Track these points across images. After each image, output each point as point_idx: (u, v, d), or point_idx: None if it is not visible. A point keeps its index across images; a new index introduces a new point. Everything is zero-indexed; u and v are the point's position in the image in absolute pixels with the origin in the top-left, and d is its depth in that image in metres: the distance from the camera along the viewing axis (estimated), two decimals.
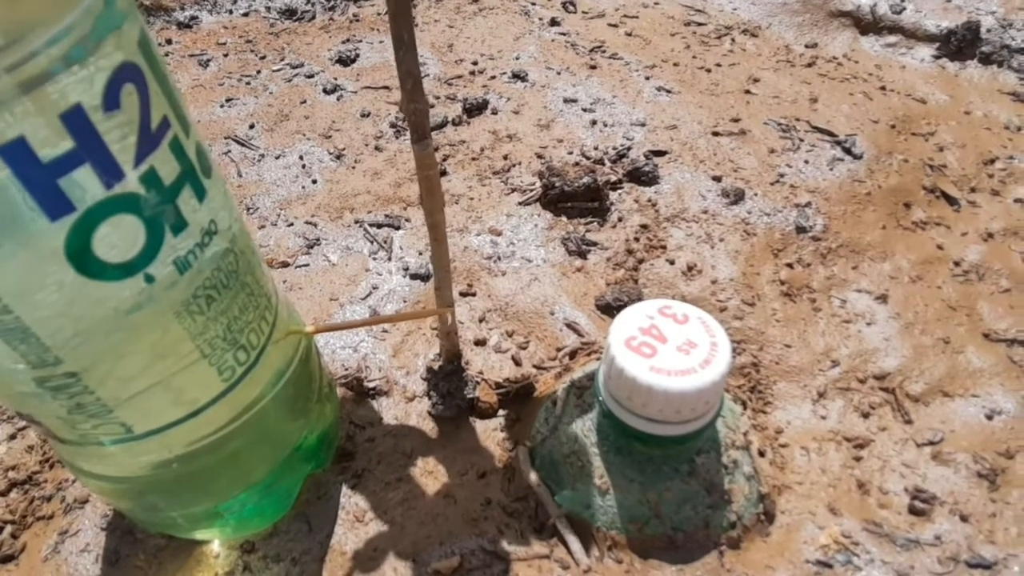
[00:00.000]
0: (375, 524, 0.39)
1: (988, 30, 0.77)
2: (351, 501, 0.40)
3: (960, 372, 0.45)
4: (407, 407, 0.45)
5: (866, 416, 0.44)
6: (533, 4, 0.89)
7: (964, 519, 0.38)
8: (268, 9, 0.87)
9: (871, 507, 0.39)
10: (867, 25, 0.82)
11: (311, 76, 0.75)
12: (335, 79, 0.74)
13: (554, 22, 0.85)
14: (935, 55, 0.78)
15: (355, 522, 0.39)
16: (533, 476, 0.40)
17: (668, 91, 0.71)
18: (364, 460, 0.42)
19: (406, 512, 0.39)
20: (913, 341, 0.47)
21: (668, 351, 0.33)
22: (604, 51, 0.79)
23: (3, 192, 0.19)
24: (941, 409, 0.44)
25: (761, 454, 0.41)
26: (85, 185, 0.21)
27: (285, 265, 0.54)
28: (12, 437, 0.45)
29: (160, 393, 0.28)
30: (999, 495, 0.39)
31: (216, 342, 0.28)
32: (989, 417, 0.43)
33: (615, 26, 0.84)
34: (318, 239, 0.56)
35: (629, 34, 0.83)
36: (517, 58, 0.78)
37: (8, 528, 0.40)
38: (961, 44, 0.77)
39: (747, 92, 0.71)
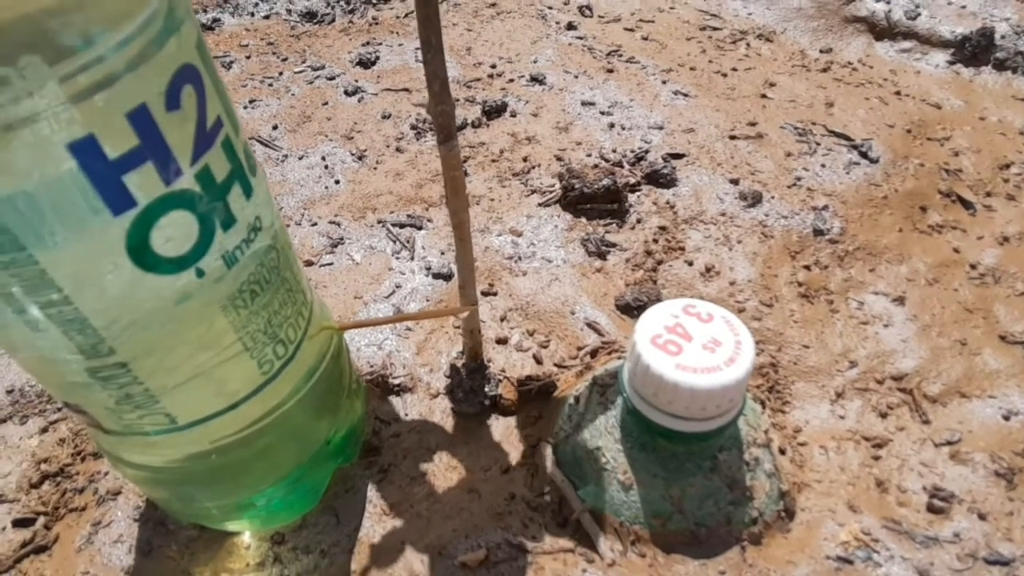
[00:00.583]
0: (402, 517, 0.40)
1: (1002, 36, 0.78)
2: (378, 495, 0.41)
3: (977, 373, 0.46)
4: (431, 404, 0.46)
5: (884, 416, 0.44)
6: (550, 8, 0.90)
7: (982, 517, 0.39)
8: (289, 12, 0.88)
9: (890, 505, 0.39)
10: (882, 31, 0.83)
11: (332, 78, 0.76)
12: (356, 81, 0.75)
13: (571, 26, 0.86)
14: (950, 61, 0.78)
15: (382, 515, 0.40)
16: (556, 472, 0.40)
17: (685, 95, 0.72)
18: (390, 455, 0.43)
19: (432, 506, 0.40)
20: (930, 343, 0.48)
21: (694, 349, 0.34)
22: (621, 55, 0.80)
23: (71, 187, 0.20)
24: (958, 410, 0.44)
25: (781, 452, 0.41)
26: (146, 182, 0.22)
27: (309, 264, 0.54)
28: (44, 430, 0.46)
29: (204, 384, 0.29)
30: (1016, 494, 0.40)
31: (257, 335, 0.29)
32: (1006, 418, 0.43)
33: (631, 30, 0.85)
34: (342, 238, 0.57)
35: (645, 38, 0.83)
36: (535, 61, 0.79)
37: (41, 519, 0.41)
38: (975, 50, 0.77)
39: (763, 96, 0.72)
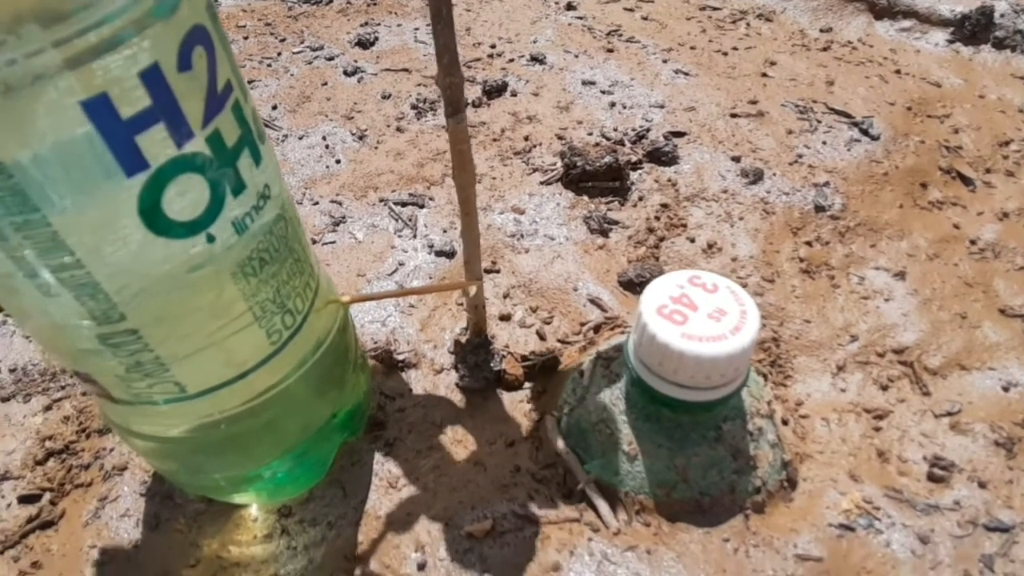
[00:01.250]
0: (408, 490, 0.40)
1: (1002, 15, 0.78)
2: (384, 468, 0.41)
3: (977, 346, 0.46)
4: (435, 379, 0.46)
5: (885, 388, 0.44)
6: None
7: (982, 485, 0.39)
8: None
9: (891, 475, 0.40)
10: (881, 10, 0.83)
11: (331, 59, 0.76)
12: (355, 61, 0.75)
13: (570, 6, 0.85)
14: (949, 39, 0.78)
15: (388, 488, 0.40)
16: (561, 444, 0.41)
17: (686, 74, 0.72)
18: (395, 429, 0.43)
19: (438, 479, 0.40)
20: (931, 316, 0.48)
21: (699, 318, 0.34)
22: (621, 35, 0.79)
23: (85, 147, 0.20)
24: (958, 381, 0.44)
25: (784, 423, 0.42)
26: (159, 143, 0.22)
27: (313, 242, 0.54)
28: (48, 408, 0.46)
29: (213, 353, 0.29)
30: (1016, 463, 0.40)
31: (266, 304, 0.29)
32: (1006, 389, 0.44)
33: (631, 10, 0.85)
34: (344, 217, 0.57)
35: (645, 18, 0.83)
36: (535, 41, 0.78)
37: (47, 495, 0.41)
38: (975, 29, 0.77)
39: (764, 75, 0.72)
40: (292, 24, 0.82)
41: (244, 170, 0.26)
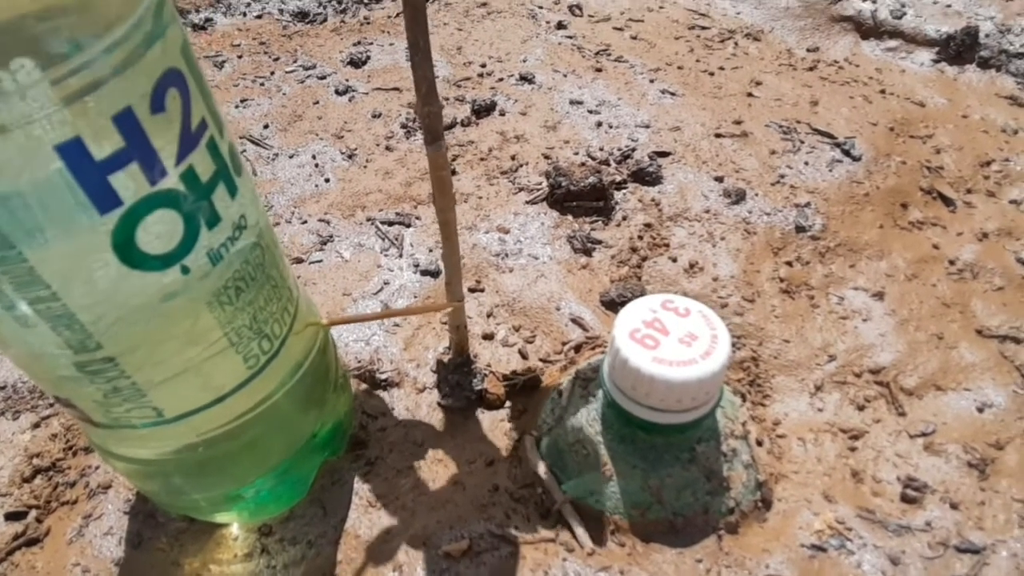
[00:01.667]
0: (387, 509, 0.41)
1: (987, 35, 0.79)
2: (364, 487, 0.42)
3: (953, 367, 0.47)
4: (417, 398, 0.46)
5: (861, 409, 0.45)
6: (540, 8, 0.91)
7: (954, 507, 0.40)
8: (281, 11, 0.89)
9: (865, 495, 0.40)
10: (868, 30, 0.84)
11: (323, 77, 0.77)
12: (347, 80, 0.76)
13: (560, 25, 0.86)
14: (934, 59, 0.79)
15: (368, 507, 0.41)
16: (539, 464, 0.41)
17: (672, 94, 0.73)
18: (376, 448, 0.44)
19: (417, 498, 0.41)
20: (908, 337, 0.49)
21: (670, 343, 0.35)
22: (609, 54, 0.80)
23: (58, 187, 0.21)
24: (934, 402, 0.45)
25: (759, 444, 0.42)
26: (132, 182, 0.23)
27: (299, 261, 0.55)
28: (36, 425, 0.46)
29: (190, 379, 0.29)
30: (988, 484, 0.41)
31: (243, 331, 0.30)
32: (980, 410, 0.44)
33: (620, 29, 0.86)
34: (331, 236, 0.57)
35: (634, 37, 0.84)
36: (524, 61, 0.79)
37: (33, 513, 0.42)
38: (960, 49, 0.78)
39: (749, 95, 0.73)
40: (286, 43, 0.83)
41: (219, 203, 0.27)
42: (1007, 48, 0.77)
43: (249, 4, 0.89)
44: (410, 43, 0.32)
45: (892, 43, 0.82)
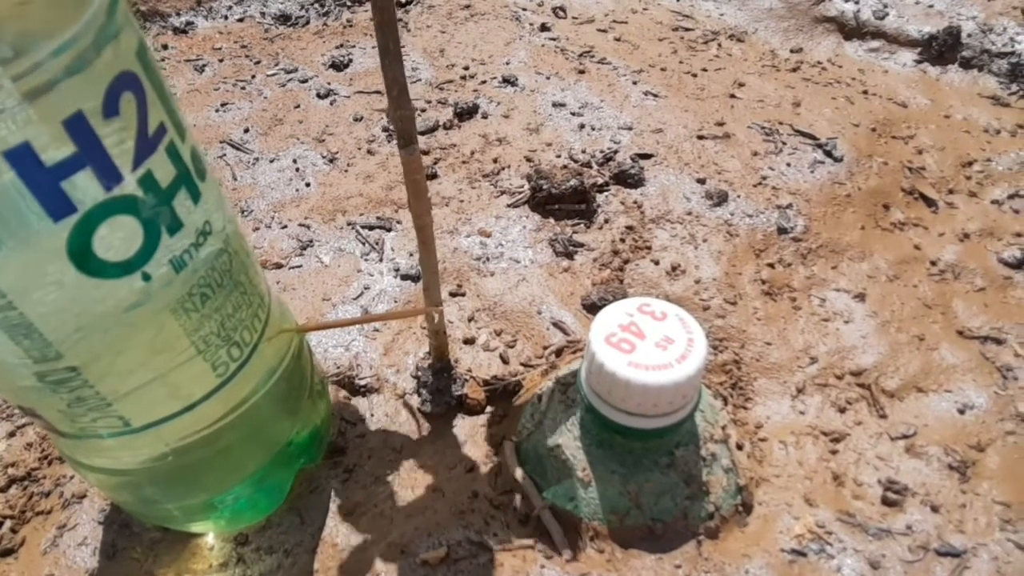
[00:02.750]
0: (365, 517, 0.40)
1: (969, 35, 0.79)
2: (342, 495, 0.41)
3: (934, 368, 0.47)
4: (397, 404, 0.46)
5: (842, 411, 0.45)
6: (524, 10, 0.90)
7: (935, 510, 0.39)
8: (263, 15, 0.88)
9: (845, 498, 0.40)
10: (851, 30, 0.84)
11: (305, 81, 0.76)
12: (328, 84, 0.76)
13: (544, 27, 0.86)
14: (917, 60, 0.79)
15: (346, 515, 0.40)
16: (519, 470, 0.41)
17: (655, 95, 0.73)
18: (355, 455, 0.43)
19: (395, 505, 0.40)
20: (889, 338, 0.49)
21: (646, 347, 0.34)
22: (593, 56, 0.80)
23: (8, 194, 0.21)
24: (915, 404, 0.45)
25: (739, 448, 0.42)
26: (86, 188, 0.22)
27: (279, 266, 0.55)
28: (11, 435, 0.46)
29: (157, 388, 0.29)
30: (969, 487, 0.40)
31: (210, 339, 0.30)
32: (961, 412, 0.44)
33: (604, 31, 0.86)
34: (311, 241, 0.57)
35: (618, 39, 0.84)
36: (507, 63, 0.79)
37: (8, 523, 0.41)
38: (942, 49, 0.78)
39: (732, 96, 0.72)
40: (268, 46, 0.83)
41: (180, 208, 0.26)
42: (989, 48, 0.77)
43: (231, 7, 0.88)
44: (380, 47, 0.31)
45: (875, 44, 0.82)
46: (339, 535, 0.39)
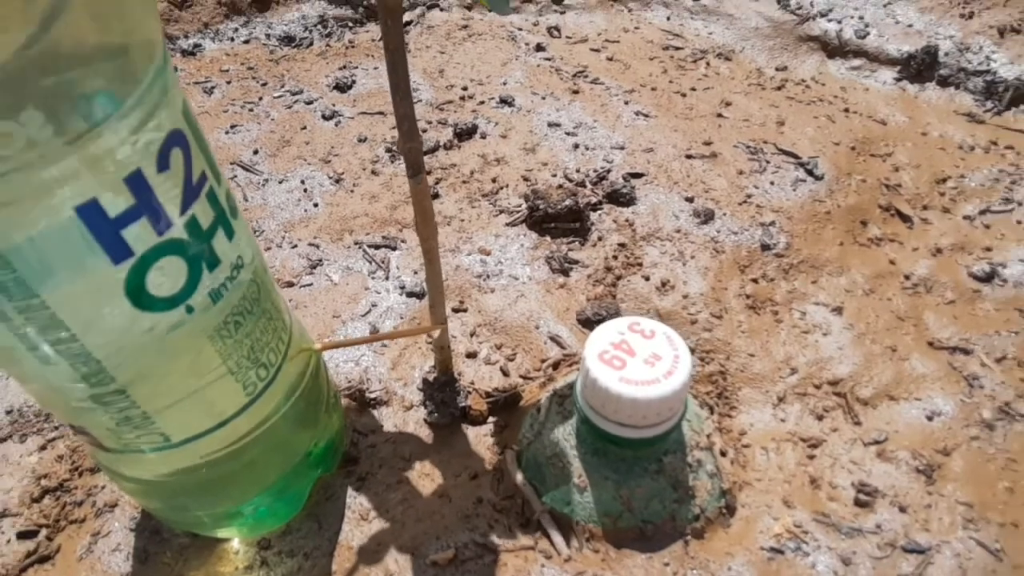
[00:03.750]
0: (378, 522, 0.43)
1: (946, 54, 0.82)
2: (356, 501, 0.44)
3: (905, 377, 0.50)
4: (405, 415, 0.49)
5: (820, 418, 0.48)
6: (520, 29, 0.94)
7: (903, 510, 0.43)
8: (268, 36, 0.91)
9: (821, 500, 0.43)
10: (834, 49, 0.87)
11: (310, 102, 0.79)
12: (333, 105, 0.79)
13: (539, 47, 0.89)
14: (897, 77, 0.83)
15: (360, 520, 0.43)
16: (520, 476, 0.44)
17: (646, 115, 0.76)
18: (367, 464, 0.46)
19: (406, 511, 0.44)
20: (864, 349, 0.52)
21: (636, 364, 0.38)
22: (586, 76, 0.84)
23: (77, 244, 0.24)
24: (887, 411, 0.48)
25: (723, 454, 0.45)
26: (141, 234, 0.25)
27: (290, 285, 0.58)
28: (43, 448, 0.49)
29: (194, 406, 0.32)
30: (935, 488, 0.44)
31: (241, 361, 0.33)
32: (929, 418, 0.48)
33: (597, 51, 0.89)
34: (320, 260, 0.60)
35: (610, 59, 0.87)
36: (504, 83, 0.82)
37: (43, 531, 0.44)
38: (921, 67, 0.82)
39: (719, 116, 0.76)
40: (273, 68, 0.86)
41: (218, 246, 0.29)
42: (965, 66, 0.81)
43: (237, 29, 0.92)
44: (392, 86, 0.34)
45: (857, 62, 0.86)
46: (354, 539, 0.42)
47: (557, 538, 0.41)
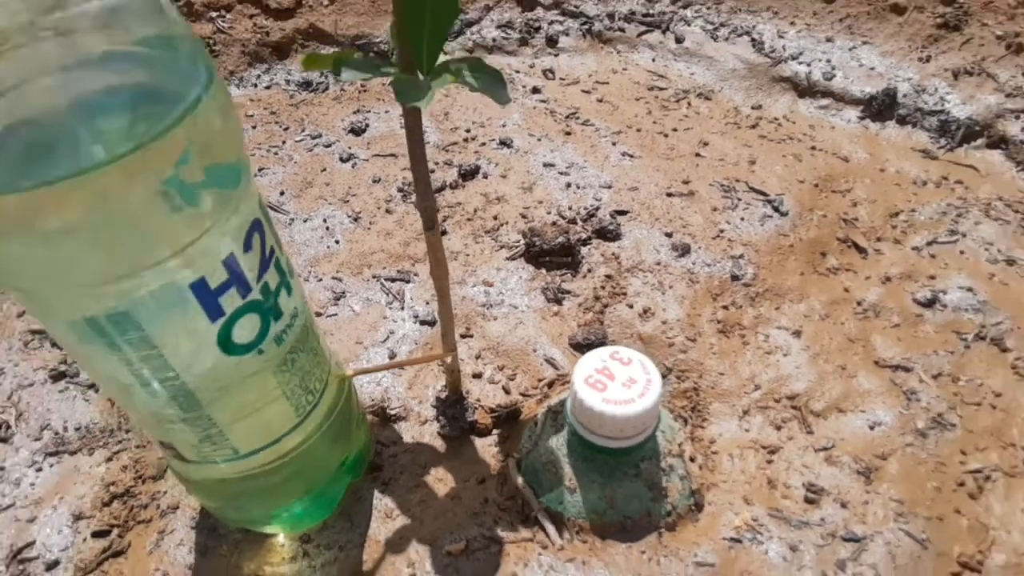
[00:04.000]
0: (401, 519, 0.51)
1: (904, 95, 0.91)
2: (382, 502, 0.52)
3: (853, 392, 0.58)
4: (421, 429, 0.57)
5: (778, 428, 0.56)
6: (517, 72, 1.02)
7: (844, 506, 0.51)
8: (287, 82, 1.00)
9: (776, 498, 0.51)
10: (804, 89, 0.96)
11: (328, 145, 0.88)
12: (349, 148, 0.87)
13: (535, 90, 0.98)
14: (860, 116, 0.91)
15: (385, 518, 0.51)
16: (520, 480, 0.52)
17: (631, 156, 0.84)
18: (390, 471, 0.54)
19: (424, 510, 0.52)
20: (818, 368, 0.60)
21: (615, 386, 0.46)
22: (578, 117, 0.92)
23: (188, 310, 0.32)
24: (835, 422, 0.56)
25: (692, 460, 0.53)
26: (231, 299, 0.33)
27: (318, 315, 0.66)
28: (109, 460, 0.57)
29: (258, 425, 0.40)
30: (872, 487, 0.52)
31: (295, 388, 0.41)
32: (871, 428, 0.56)
33: (588, 92, 0.98)
34: (343, 292, 0.68)
35: (600, 100, 0.96)
36: (503, 125, 0.91)
37: (115, 531, 0.52)
38: (881, 107, 0.90)
39: (697, 155, 0.84)
40: (294, 112, 0.95)
41: (282, 302, 0.38)
42: (922, 106, 0.89)
43: (259, 76, 1.00)
44: (411, 153, 0.40)
45: (824, 101, 0.94)
46: (381, 533, 0.50)
47: (552, 531, 0.49)
